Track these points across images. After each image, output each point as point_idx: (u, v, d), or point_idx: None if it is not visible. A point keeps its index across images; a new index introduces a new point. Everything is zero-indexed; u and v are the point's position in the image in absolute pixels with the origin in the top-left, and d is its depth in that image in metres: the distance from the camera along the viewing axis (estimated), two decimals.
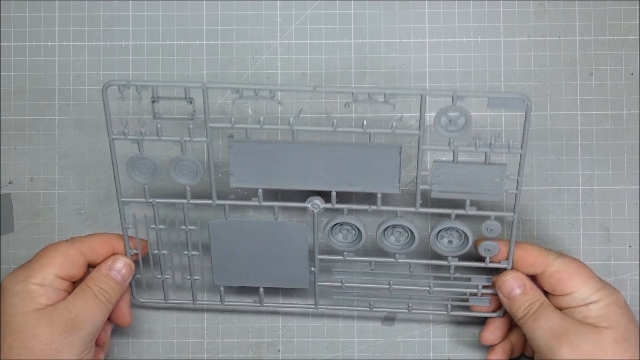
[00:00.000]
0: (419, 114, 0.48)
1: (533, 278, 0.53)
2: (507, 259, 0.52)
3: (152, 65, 0.58)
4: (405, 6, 0.58)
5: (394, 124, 0.48)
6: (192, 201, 0.51)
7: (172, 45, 0.58)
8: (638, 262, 0.57)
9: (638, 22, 0.57)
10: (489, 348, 0.55)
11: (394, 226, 0.52)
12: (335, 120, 0.48)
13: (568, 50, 0.58)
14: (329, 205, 0.51)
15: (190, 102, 0.48)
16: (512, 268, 0.53)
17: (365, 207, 0.51)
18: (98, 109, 0.58)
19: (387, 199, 0.55)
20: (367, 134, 0.48)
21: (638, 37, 0.57)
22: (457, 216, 0.51)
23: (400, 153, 0.49)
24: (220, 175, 0.56)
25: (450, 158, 0.49)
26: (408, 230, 0.52)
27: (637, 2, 0.57)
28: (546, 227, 0.57)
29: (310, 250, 0.53)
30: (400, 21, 0.58)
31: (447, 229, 0.52)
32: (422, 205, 0.51)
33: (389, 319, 0.58)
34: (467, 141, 0.48)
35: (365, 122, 0.48)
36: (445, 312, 0.56)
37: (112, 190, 0.57)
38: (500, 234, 0.51)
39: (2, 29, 0.58)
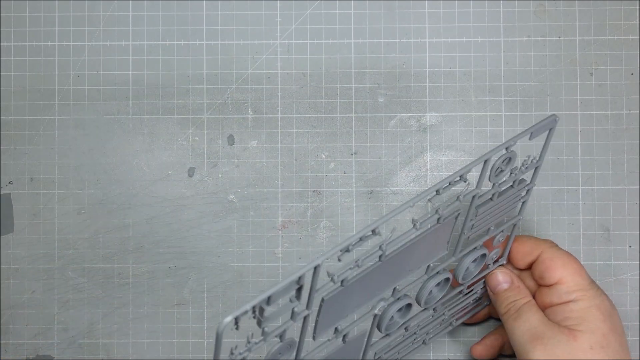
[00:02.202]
0: (473, 177, 0.46)
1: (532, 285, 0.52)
2: (503, 255, 0.52)
3: (152, 65, 0.58)
4: (405, 6, 0.58)
5: (461, 198, 0.45)
6: None
7: (172, 45, 0.58)
8: (638, 262, 0.57)
9: (638, 22, 0.57)
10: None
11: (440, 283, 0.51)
12: (417, 223, 0.44)
13: (568, 50, 0.58)
14: (391, 301, 0.48)
15: (299, 290, 0.41)
16: (509, 261, 0.53)
17: (418, 281, 0.49)
18: (98, 109, 0.58)
19: None
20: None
21: (638, 37, 0.57)
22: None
23: (456, 218, 0.47)
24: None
25: (488, 193, 0.48)
26: (444, 280, 0.50)
27: (637, 2, 0.57)
28: (546, 227, 0.57)
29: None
30: (400, 21, 0.58)
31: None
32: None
33: None
34: (506, 176, 0.48)
35: (438, 210, 0.45)
36: (451, 327, 0.56)
37: (112, 190, 0.57)
38: (503, 238, 0.51)
39: (2, 29, 0.58)
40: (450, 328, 0.56)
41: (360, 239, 0.41)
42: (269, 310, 0.39)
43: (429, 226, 0.45)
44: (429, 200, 0.45)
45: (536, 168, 0.49)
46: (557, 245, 0.52)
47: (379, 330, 0.49)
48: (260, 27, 0.58)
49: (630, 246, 0.57)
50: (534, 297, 0.52)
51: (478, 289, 0.54)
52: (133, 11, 0.58)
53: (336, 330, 0.46)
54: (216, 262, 0.58)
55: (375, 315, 0.48)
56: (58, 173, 0.58)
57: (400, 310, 0.49)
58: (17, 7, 0.58)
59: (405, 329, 0.52)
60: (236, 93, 0.58)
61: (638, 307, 0.57)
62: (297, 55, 0.58)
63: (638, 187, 0.57)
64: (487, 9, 0.58)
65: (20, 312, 0.57)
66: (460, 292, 0.53)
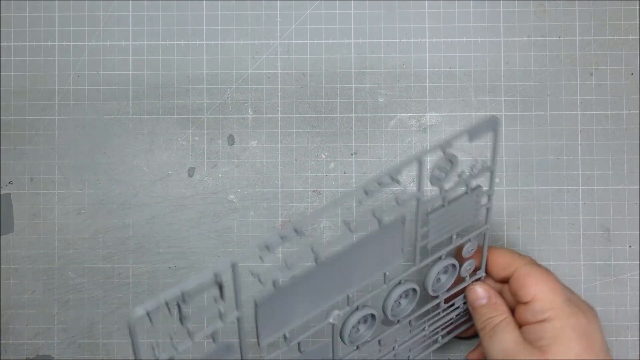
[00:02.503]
0: (416, 177, 0.43)
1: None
2: (480, 268, 0.52)
3: (152, 65, 0.58)
4: (405, 6, 0.58)
5: (398, 200, 0.43)
6: None
7: (172, 45, 0.58)
8: (638, 262, 0.57)
9: (638, 22, 0.57)
10: None
11: (403, 294, 0.50)
12: (351, 226, 0.42)
13: (568, 50, 0.58)
14: (348, 310, 0.47)
15: (220, 288, 0.39)
16: (487, 272, 0.52)
17: (376, 291, 0.47)
18: (98, 109, 0.58)
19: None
20: (376, 220, 0.43)
21: (638, 37, 0.57)
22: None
23: (403, 223, 0.44)
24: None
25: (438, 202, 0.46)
26: (412, 290, 0.49)
27: (637, 2, 0.57)
28: (546, 227, 0.57)
29: None
30: (400, 21, 0.58)
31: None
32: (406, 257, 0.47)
33: None
34: (454, 181, 0.46)
35: (375, 213, 0.43)
36: (438, 344, 0.55)
37: (112, 190, 0.57)
38: (474, 249, 0.51)
39: (2, 29, 0.58)
40: (437, 345, 0.55)
41: (282, 238, 0.39)
42: (187, 308, 0.38)
43: (370, 230, 0.43)
44: (360, 202, 0.43)
45: (491, 174, 0.47)
46: (534, 262, 0.50)
47: (343, 341, 0.48)
48: (260, 27, 0.58)
49: (630, 246, 0.57)
50: (513, 312, 0.50)
51: (460, 303, 0.53)
52: (133, 11, 0.58)
53: (285, 337, 0.44)
54: (216, 262, 0.58)
55: (333, 325, 0.46)
56: (58, 173, 0.58)
57: (365, 322, 0.48)
58: (17, 7, 0.58)
59: (379, 343, 0.50)
60: (236, 93, 0.58)
61: (638, 307, 0.57)
62: (297, 55, 0.58)
63: (638, 187, 0.57)
64: (487, 9, 0.58)
65: (20, 312, 0.57)
66: (438, 306, 0.52)
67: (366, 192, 0.42)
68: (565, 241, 0.57)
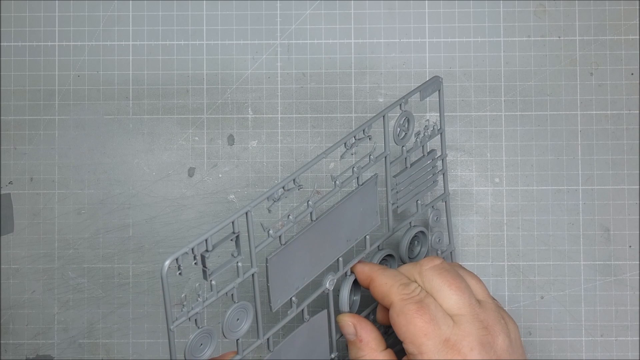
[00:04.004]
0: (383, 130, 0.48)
1: None
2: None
3: (152, 65, 0.58)
4: (405, 6, 0.58)
5: (371, 156, 0.48)
6: (246, 352, 0.45)
7: (172, 45, 0.58)
8: (638, 262, 0.57)
9: (638, 22, 0.57)
10: None
11: (383, 259, 0.51)
12: (337, 181, 0.46)
13: (568, 50, 0.58)
14: (339, 274, 0.48)
15: (237, 238, 0.43)
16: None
17: (360, 256, 0.49)
18: (98, 109, 0.58)
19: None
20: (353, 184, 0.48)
21: (638, 37, 0.57)
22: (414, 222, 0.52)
23: (376, 182, 0.48)
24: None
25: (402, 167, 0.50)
26: (391, 257, 0.51)
27: (637, 2, 0.57)
28: (546, 227, 0.57)
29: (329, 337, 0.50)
30: (400, 21, 0.58)
31: (413, 237, 0.52)
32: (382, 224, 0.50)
33: None
34: (413, 143, 0.51)
35: (354, 169, 0.47)
36: None
37: (112, 190, 0.57)
38: (439, 218, 0.53)
39: (2, 29, 0.58)
40: None
41: (284, 188, 0.44)
42: (210, 259, 0.41)
43: (351, 189, 0.47)
44: (342, 157, 0.47)
45: (441, 136, 0.51)
46: (413, 292, 0.44)
47: (342, 311, 0.49)
48: (260, 27, 0.58)
49: (630, 246, 0.57)
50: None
51: None
52: (133, 11, 0.58)
53: (292, 302, 0.46)
54: (216, 262, 0.58)
55: (328, 292, 0.48)
56: (58, 173, 0.58)
57: (357, 289, 0.50)
58: (17, 7, 0.58)
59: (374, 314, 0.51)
60: (236, 93, 0.58)
61: (638, 307, 0.57)
62: (297, 55, 0.58)
63: (638, 187, 0.57)
64: (487, 9, 0.58)
65: (20, 312, 0.57)
66: None
67: (345, 145, 0.46)
68: (565, 241, 0.57)
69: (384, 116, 0.48)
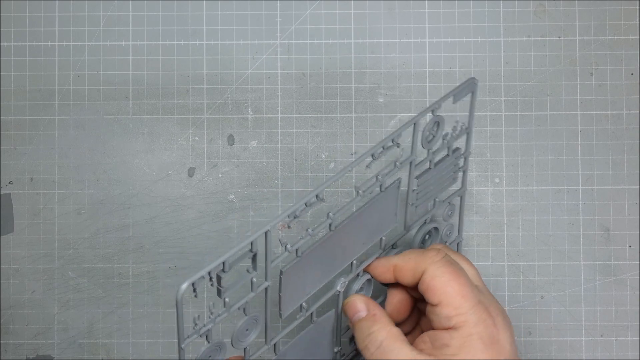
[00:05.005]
0: (412, 138, 0.47)
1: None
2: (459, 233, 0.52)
3: (152, 65, 0.58)
4: (405, 6, 0.58)
5: (397, 163, 0.47)
6: (252, 357, 0.45)
7: (172, 45, 0.58)
8: (638, 262, 0.57)
9: (638, 22, 0.57)
10: None
11: None
12: (360, 190, 0.45)
13: (568, 50, 0.58)
14: (351, 276, 0.48)
15: (254, 256, 0.42)
16: (396, 280, 0.48)
17: (375, 256, 0.49)
18: (98, 109, 0.58)
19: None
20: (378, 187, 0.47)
21: (638, 37, 0.57)
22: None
23: (399, 187, 0.47)
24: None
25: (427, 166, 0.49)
26: None
27: (637, 2, 0.57)
28: (546, 227, 0.57)
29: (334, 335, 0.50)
30: (400, 21, 0.58)
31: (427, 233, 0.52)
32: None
33: None
34: (439, 143, 0.49)
35: (378, 177, 0.46)
36: None
37: (112, 190, 0.57)
38: (453, 213, 0.52)
39: (2, 29, 0.58)
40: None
41: (306, 205, 0.43)
42: (225, 278, 0.40)
43: (372, 194, 0.46)
44: (367, 166, 0.46)
45: (468, 135, 0.50)
46: (445, 260, 0.45)
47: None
48: (260, 27, 0.58)
49: (630, 246, 0.57)
50: (425, 314, 0.46)
51: None
52: (133, 11, 0.58)
53: (302, 307, 0.46)
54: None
55: (339, 294, 0.48)
56: (58, 173, 0.58)
57: (362, 289, 0.49)
58: (17, 7, 0.58)
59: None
60: (236, 93, 0.58)
61: (638, 307, 0.57)
62: (297, 55, 0.58)
63: (638, 187, 0.57)
64: (487, 9, 0.58)
65: (20, 312, 0.57)
66: None
67: (373, 156, 0.45)
68: (565, 241, 0.57)
69: (414, 124, 0.46)
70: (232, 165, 0.57)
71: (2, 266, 0.58)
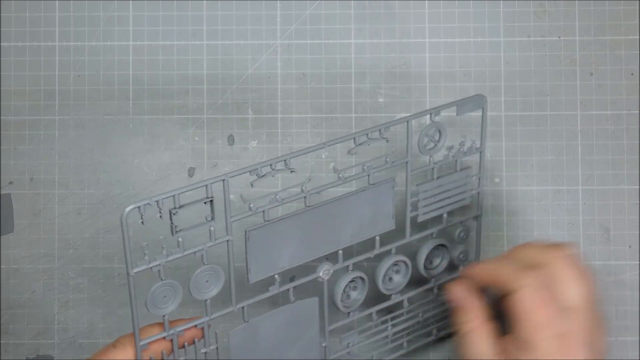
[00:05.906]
0: (406, 140, 0.47)
1: None
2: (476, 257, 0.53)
3: (152, 65, 0.58)
4: (405, 6, 0.58)
5: (387, 159, 0.47)
6: (213, 315, 0.46)
7: (172, 45, 0.58)
8: (638, 262, 0.57)
9: (638, 22, 0.57)
10: None
11: (394, 264, 0.51)
12: (340, 174, 0.46)
13: (568, 50, 0.58)
14: (338, 267, 0.48)
15: (210, 202, 0.43)
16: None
17: (368, 255, 0.49)
18: (98, 109, 0.58)
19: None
20: (366, 177, 0.47)
21: (638, 37, 0.57)
22: (438, 233, 0.51)
23: (393, 187, 0.48)
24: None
25: (430, 176, 0.49)
26: (404, 263, 0.51)
27: (637, 2, 0.58)
28: (546, 227, 0.57)
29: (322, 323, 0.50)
30: (400, 21, 0.58)
31: (433, 250, 0.51)
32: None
33: None
34: (443, 155, 0.49)
35: (365, 166, 0.46)
36: (433, 338, 0.55)
37: (112, 190, 0.57)
38: (470, 235, 0.52)
39: (2, 29, 0.58)
40: (431, 338, 0.55)
41: (271, 167, 0.44)
42: (180, 217, 0.42)
43: (357, 183, 0.47)
44: (349, 152, 0.47)
45: (481, 154, 0.49)
46: (538, 280, 0.44)
47: (336, 305, 0.49)
48: (260, 27, 0.58)
49: (630, 246, 0.57)
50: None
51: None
52: (133, 11, 0.58)
53: (275, 280, 0.47)
54: (217, 262, 0.58)
55: (323, 281, 0.48)
56: (58, 173, 0.58)
57: (355, 288, 0.50)
58: (17, 7, 0.58)
59: (372, 317, 0.51)
60: (236, 93, 0.58)
61: (638, 307, 0.57)
62: (297, 55, 0.58)
63: (638, 187, 0.57)
64: (487, 9, 0.58)
65: (20, 312, 0.57)
66: (431, 291, 0.53)
67: (355, 141, 0.45)
68: (565, 241, 0.57)
69: (407, 122, 0.46)
70: (232, 165, 0.57)
71: (2, 266, 0.58)
